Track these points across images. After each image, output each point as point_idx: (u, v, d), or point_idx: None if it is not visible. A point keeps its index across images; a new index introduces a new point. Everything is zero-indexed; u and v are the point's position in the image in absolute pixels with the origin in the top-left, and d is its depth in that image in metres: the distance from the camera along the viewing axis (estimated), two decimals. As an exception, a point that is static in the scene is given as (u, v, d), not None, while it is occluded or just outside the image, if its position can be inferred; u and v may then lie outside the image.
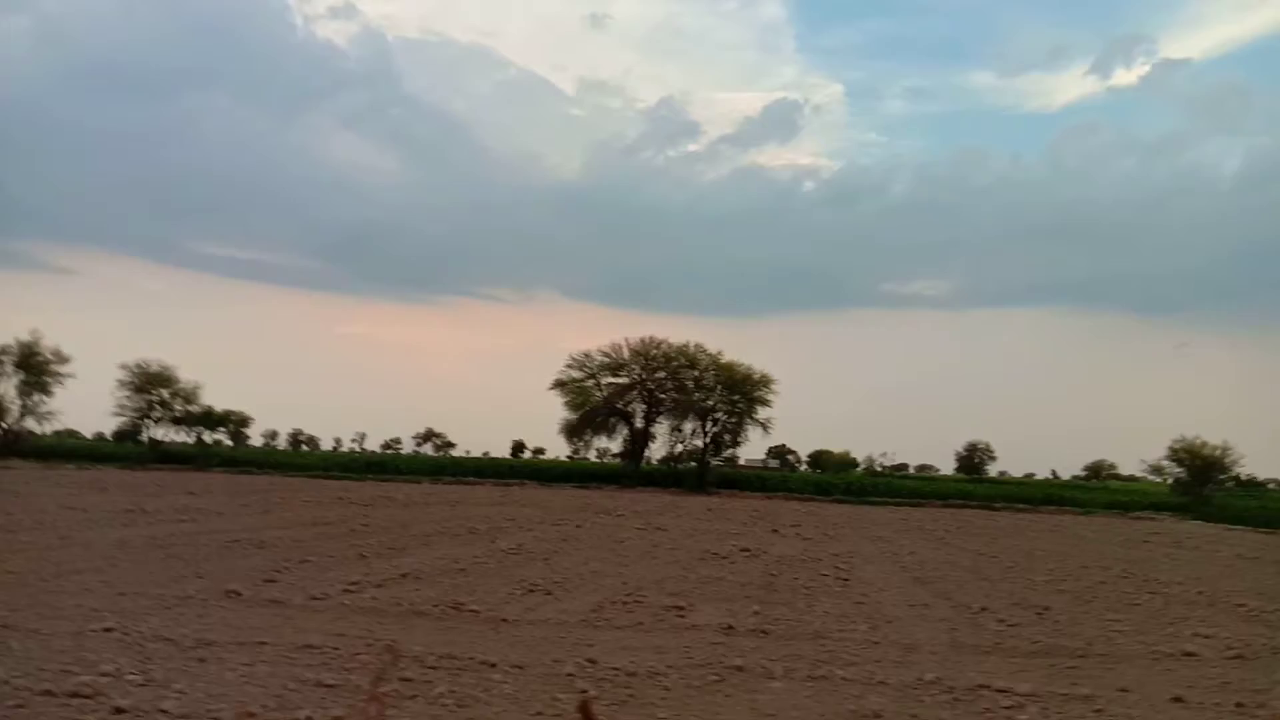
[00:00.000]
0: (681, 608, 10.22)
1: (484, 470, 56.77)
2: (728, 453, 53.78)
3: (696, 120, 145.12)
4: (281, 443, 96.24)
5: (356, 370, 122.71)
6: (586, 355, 52.48)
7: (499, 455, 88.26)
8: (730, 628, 9.12)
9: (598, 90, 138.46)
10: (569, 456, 66.54)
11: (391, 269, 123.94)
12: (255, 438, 77.02)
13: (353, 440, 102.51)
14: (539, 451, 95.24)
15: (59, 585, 9.89)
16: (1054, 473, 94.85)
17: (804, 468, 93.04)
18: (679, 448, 51.49)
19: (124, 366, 57.38)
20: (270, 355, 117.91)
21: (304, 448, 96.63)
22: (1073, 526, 32.70)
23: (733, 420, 50.92)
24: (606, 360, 52.02)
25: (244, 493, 31.11)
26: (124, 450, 59.78)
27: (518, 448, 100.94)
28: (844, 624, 9.77)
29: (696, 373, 51.20)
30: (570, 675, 6.82)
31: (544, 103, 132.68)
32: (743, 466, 63.80)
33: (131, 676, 6.11)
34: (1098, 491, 59.38)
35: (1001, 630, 9.89)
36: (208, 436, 62.00)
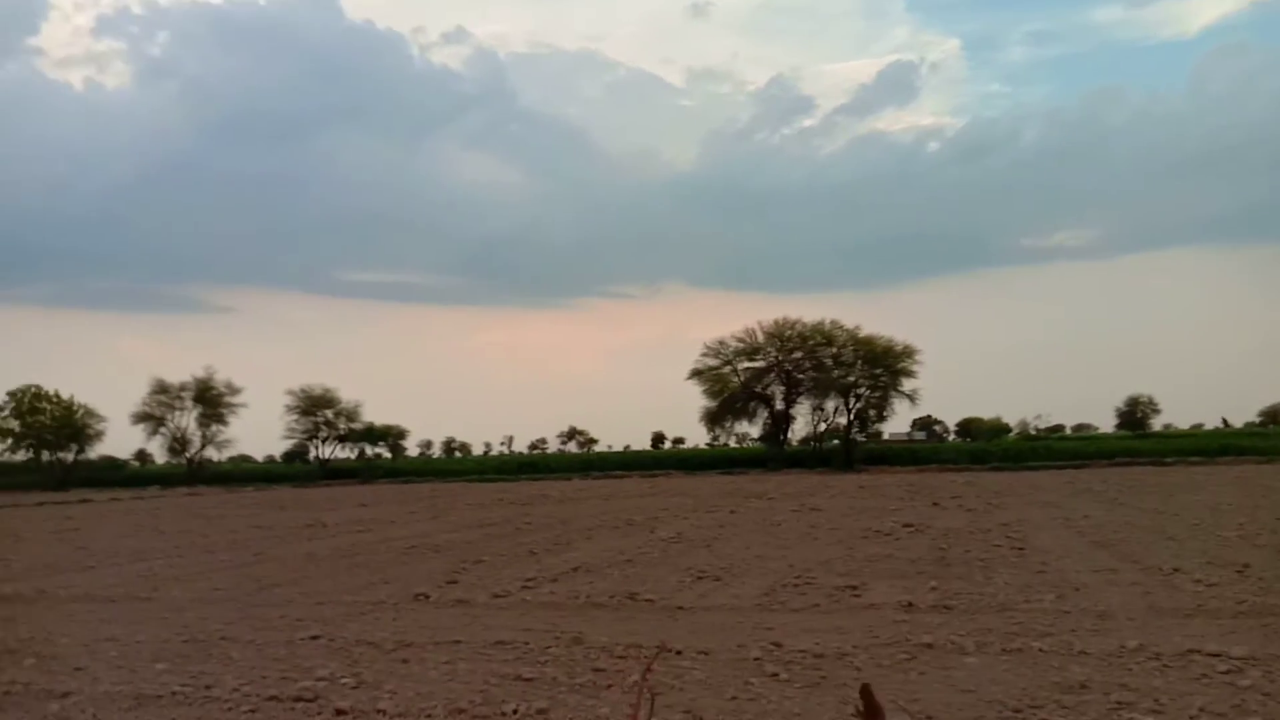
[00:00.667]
0: (855, 587, 10.08)
1: (629, 463, 57.64)
2: (874, 428, 52.55)
3: (809, 95, 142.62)
4: (436, 451, 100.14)
5: (498, 377, 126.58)
6: (721, 342, 52.46)
7: (639, 448, 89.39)
8: (910, 605, 8.92)
9: (706, 78, 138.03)
10: (709, 444, 66.74)
11: (523, 277, 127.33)
12: (411, 448, 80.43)
13: (501, 444, 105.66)
14: (678, 441, 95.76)
15: (262, 598, 10.60)
16: (1225, 421, 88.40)
17: (951, 437, 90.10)
18: (822, 427, 50.73)
19: (290, 392, 61.05)
20: (417, 370, 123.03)
21: (457, 454, 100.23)
22: (1256, 476, 30.40)
23: (876, 395, 49.82)
24: (741, 345, 51.84)
25: (410, 501, 32.58)
26: (295, 470, 63.67)
27: (657, 439, 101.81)
28: (1029, 595, 9.41)
29: (834, 349, 50.38)
30: (757, 659, 6.83)
31: (654, 98, 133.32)
32: (888, 441, 62.45)
33: (345, 680, 6.47)
34: (1278, 438, 55.10)
35: (1200, 591, 9.31)
36: (369, 451, 65.30)
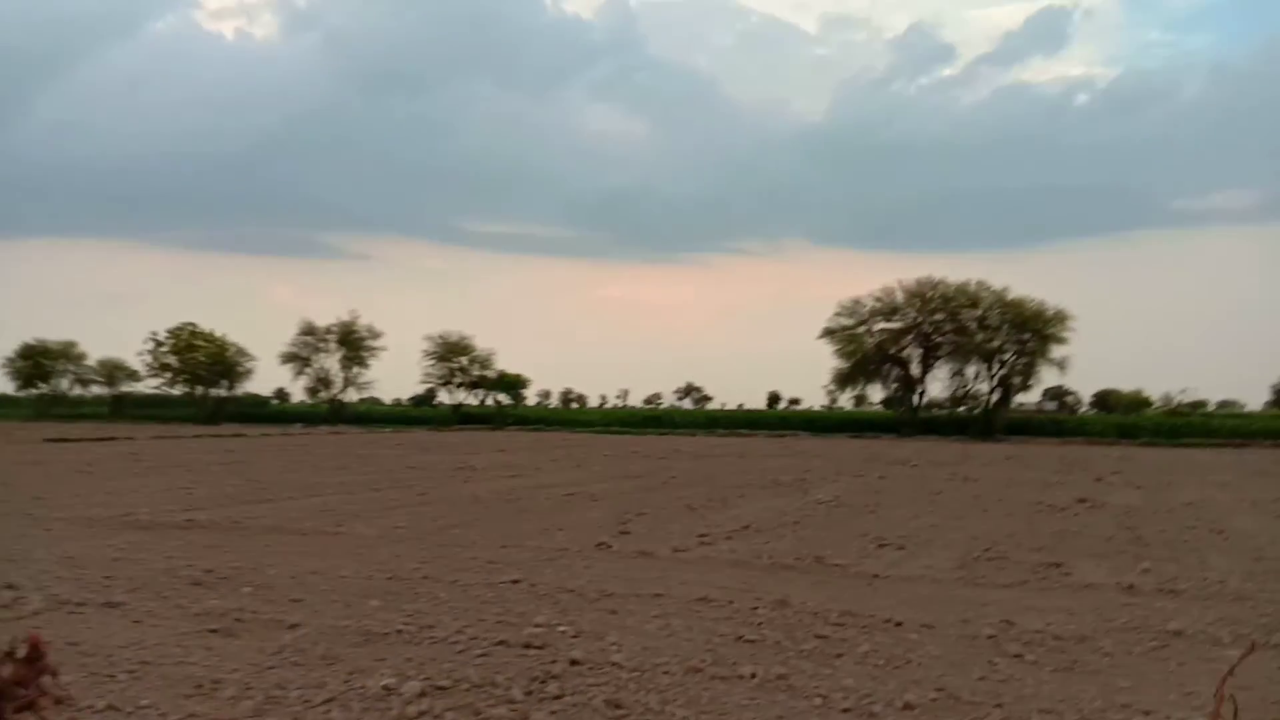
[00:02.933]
0: (1058, 565, 9.48)
1: (754, 422, 57.16)
2: (1016, 397, 50.42)
3: (950, 43, 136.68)
4: (554, 401, 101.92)
5: (615, 330, 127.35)
6: (856, 301, 51.07)
7: (752, 406, 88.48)
8: (1131, 588, 8.30)
9: (842, 25, 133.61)
10: (827, 406, 65.44)
11: (644, 232, 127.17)
12: (530, 398, 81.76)
13: (616, 397, 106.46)
14: (794, 402, 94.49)
15: (445, 539, 10.74)
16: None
17: (1084, 409, 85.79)
18: (961, 393, 48.94)
19: (428, 338, 62.81)
20: (536, 321, 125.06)
21: (574, 405, 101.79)
22: None
23: (1023, 361, 47.67)
24: (878, 305, 50.33)
25: (545, 449, 33.09)
26: (428, 414, 65.67)
27: (773, 399, 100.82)
28: (1260, 583, 8.64)
29: (979, 312, 48.33)
30: (991, 637, 6.40)
31: (787, 46, 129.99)
32: (1015, 411, 59.81)
33: (562, 629, 6.37)
34: None
35: None
36: (492, 399, 66.64)
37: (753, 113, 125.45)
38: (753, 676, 5.37)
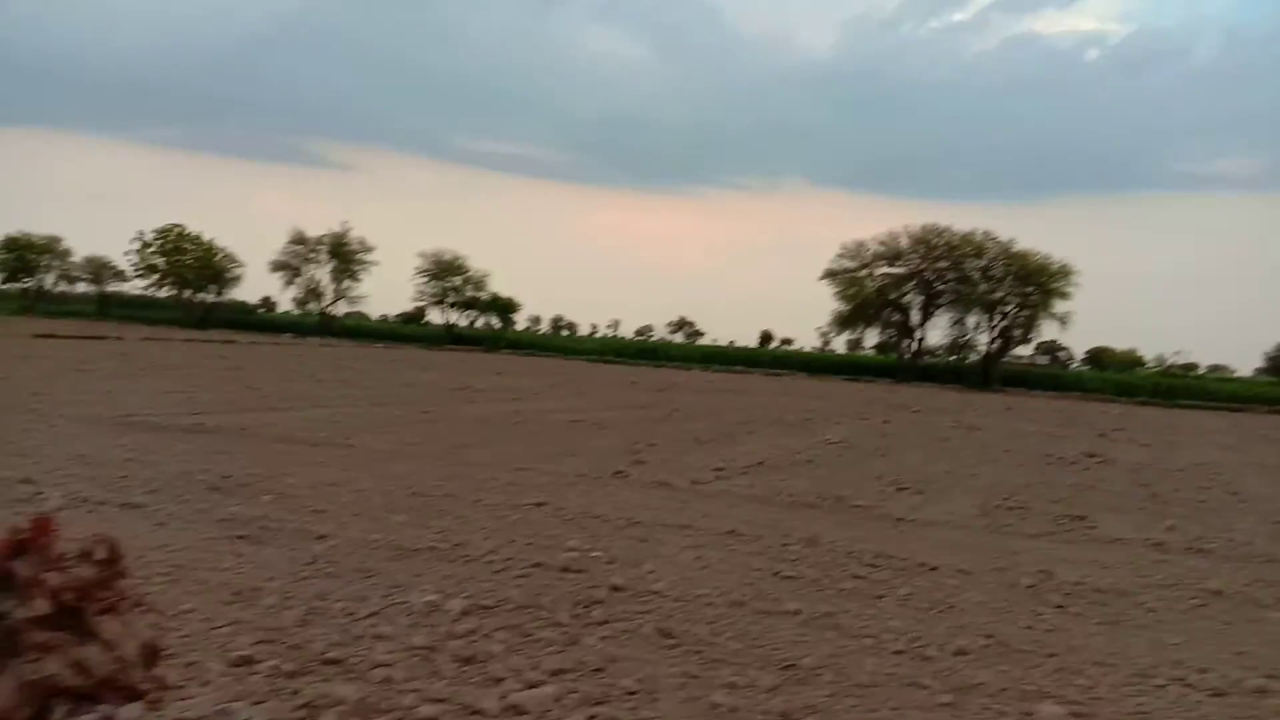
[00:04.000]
0: (1081, 517, 9.41)
1: (750, 360, 57.05)
2: (1015, 349, 50.46)
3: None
4: (543, 327, 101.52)
5: (607, 259, 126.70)
6: (860, 244, 50.68)
7: (743, 344, 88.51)
8: (1160, 544, 8.24)
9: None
10: (817, 348, 65.28)
11: (641, 160, 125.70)
12: (519, 322, 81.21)
13: (607, 327, 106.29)
14: (786, 342, 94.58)
15: (460, 458, 10.60)
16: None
17: (1075, 365, 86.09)
18: (961, 342, 48.93)
19: (422, 255, 62.18)
20: (527, 243, 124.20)
21: (564, 333, 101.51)
22: None
23: (1024, 314, 47.57)
24: (882, 249, 49.97)
25: (542, 374, 32.93)
26: (421, 332, 65.35)
27: (765, 338, 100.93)
28: (1287, 546, 8.61)
29: (983, 262, 48.06)
30: (1030, 586, 6.32)
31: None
32: (1010, 364, 59.83)
33: (595, 554, 6.25)
34: None
35: None
36: (482, 321, 66.18)
37: (756, 44, 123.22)
38: (797, 613, 5.27)
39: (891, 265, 50.10)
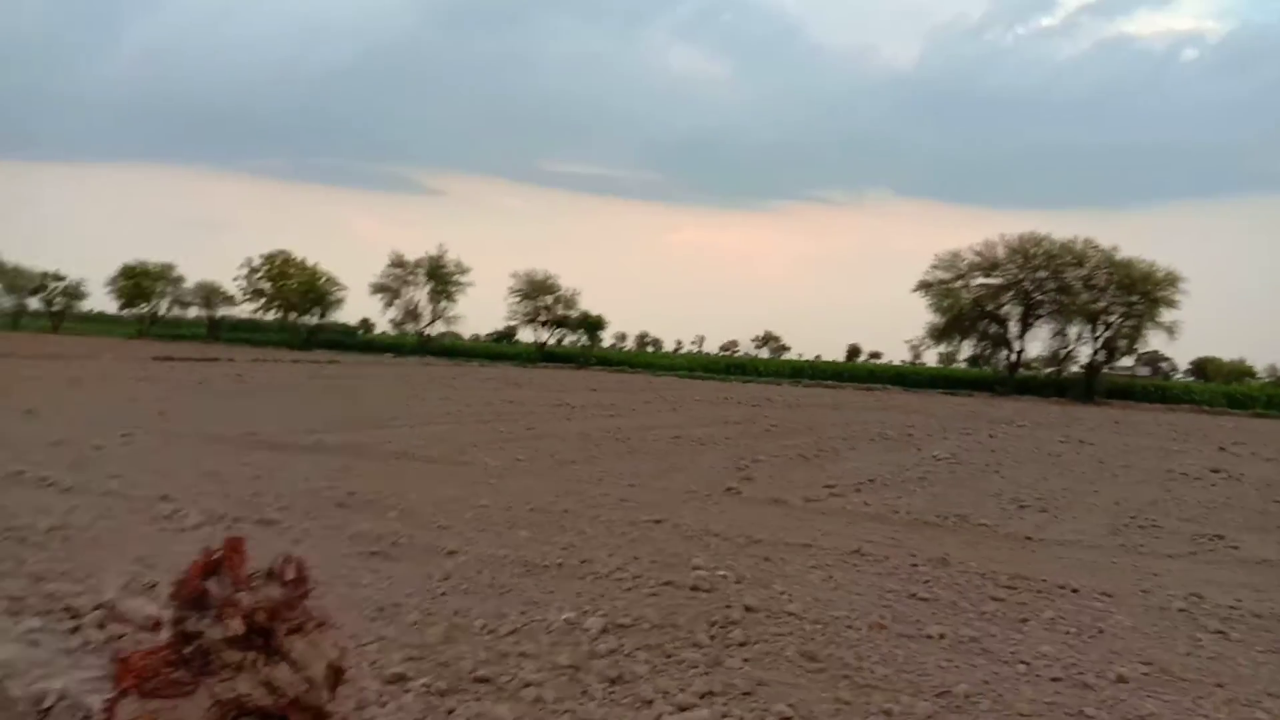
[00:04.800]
0: (1220, 536, 8.92)
1: (842, 374, 56.20)
2: (1118, 361, 48.53)
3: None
4: (629, 344, 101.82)
5: (691, 276, 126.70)
6: (955, 255, 49.47)
7: (829, 358, 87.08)
8: (1315, 566, 7.74)
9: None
10: (905, 361, 63.61)
11: (723, 176, 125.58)
12: (605, 340, 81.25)
13: (692, 343, 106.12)
14: (875, 355, 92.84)
15: (569, 474, 10.64)
16: None
17: (1178, 376, 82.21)
18: (1062, 354, 47.26)
19: (514, 275, 63.17)
20: (610, 262, 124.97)
21: (649, 349, 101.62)
22: None
23: (1128, 324, 45.70)
24: (978, 259, 48.67)
25: (635, 391, 32.99)
26: (513, 350, 66.34)
27: (853, 351, 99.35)
28: None
29: (1084, 271, 46.35)
30: (1183, 610, 5.99)
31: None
32: (1113, 376, 57.51)
33: (722, 573, 6.16)
34: None
35: None
36: (570, 339, 66.60)
37: (839, 58, 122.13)
38: (942, 637, 5.09)
39: (988, 275, 48.74)
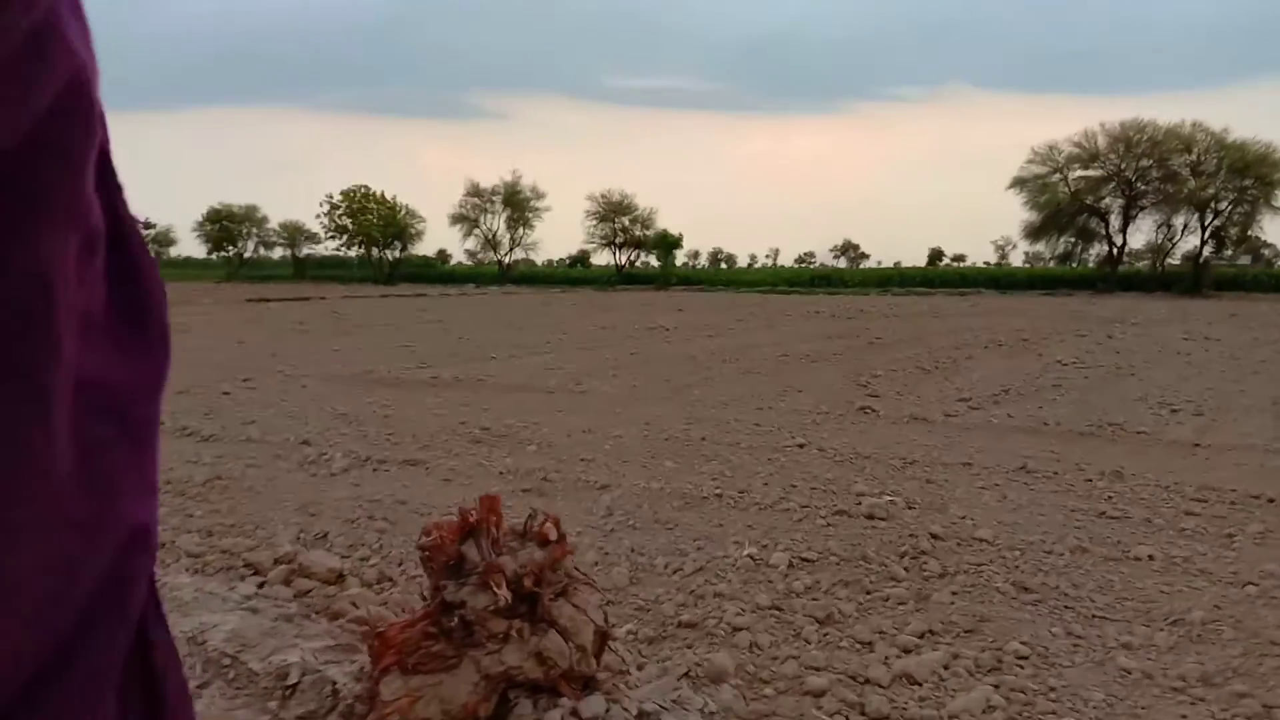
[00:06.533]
0: None
1: (932, 280, 54.70)
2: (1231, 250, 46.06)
3: None
4: (702, 261, 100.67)
5: (762, 187, 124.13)
6: (1052, 147, 47.09)
7: (910, 264, 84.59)
8: None
9: None
10: (988, 263, 61.26)
11: (790, 80, 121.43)
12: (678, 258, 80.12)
13: (766, 256, 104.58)
14: (958, 259, 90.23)
15: (687, 398, 10.41)
16: None
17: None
18: (1168, 246, 45.03)
19: (590, 198, 62.75)
20: (681, 178, 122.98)
21: (722, 265, 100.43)
22: None
23: (1240, 211, 43.13)
24: (1077, 151, 46.27)
25: (723, 309, 32.53)
26: (591, 274, 66.23)
27: (935, 255, 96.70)
28: None
29: (1192, 157, 43.69)
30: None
31: None
32: (1219, 267, 54.71)
33: (889, 498, 5.86)
34: None
35: None
36: (644, 259, 66.00)
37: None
38: (1151, 559, 4.73)
39: (1087, 167, 46.35)
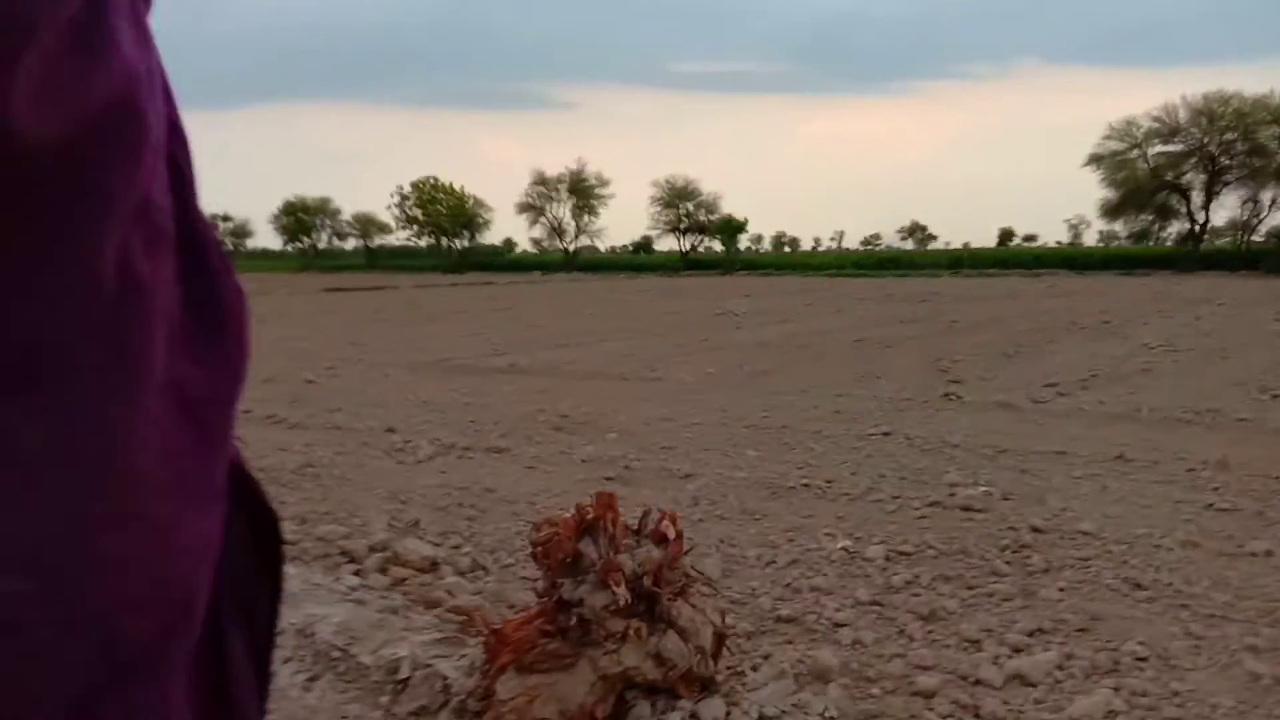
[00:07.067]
0: None
1: (1006, 261, 53.41)
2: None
3: None
4: (765, 245, 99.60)
5: (826, 169, 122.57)
6: (1129, 122, 45.51)
7: (979, 245, 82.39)
8: None
9: None
10: (1061, 242, 59.25)
11: (857, 61, 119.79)
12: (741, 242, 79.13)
13: (831, 239, 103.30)
14: (1029, 239, 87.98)
15: (764, 386, 10.30)
16: None
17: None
18: (1256, 222, 43.21)
19: (655, 184, 62.63)
20: (744, 162, 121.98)
21: (786, 249, 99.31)
22: None
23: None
24: (1156, 126, 44.63)
25: (790, 293, 32.20)
26: (656, 260, 66.14)
27: (1005, 235, 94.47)
28: None
29: (1280, 129, 41.80)
30: None
31: None
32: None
33: (984, 489, 5.70)
34: None
35: None
36: (706, 244, 65.48)
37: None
38: (1269, 555, 4.51)
39: (1168, 142, 44.69)
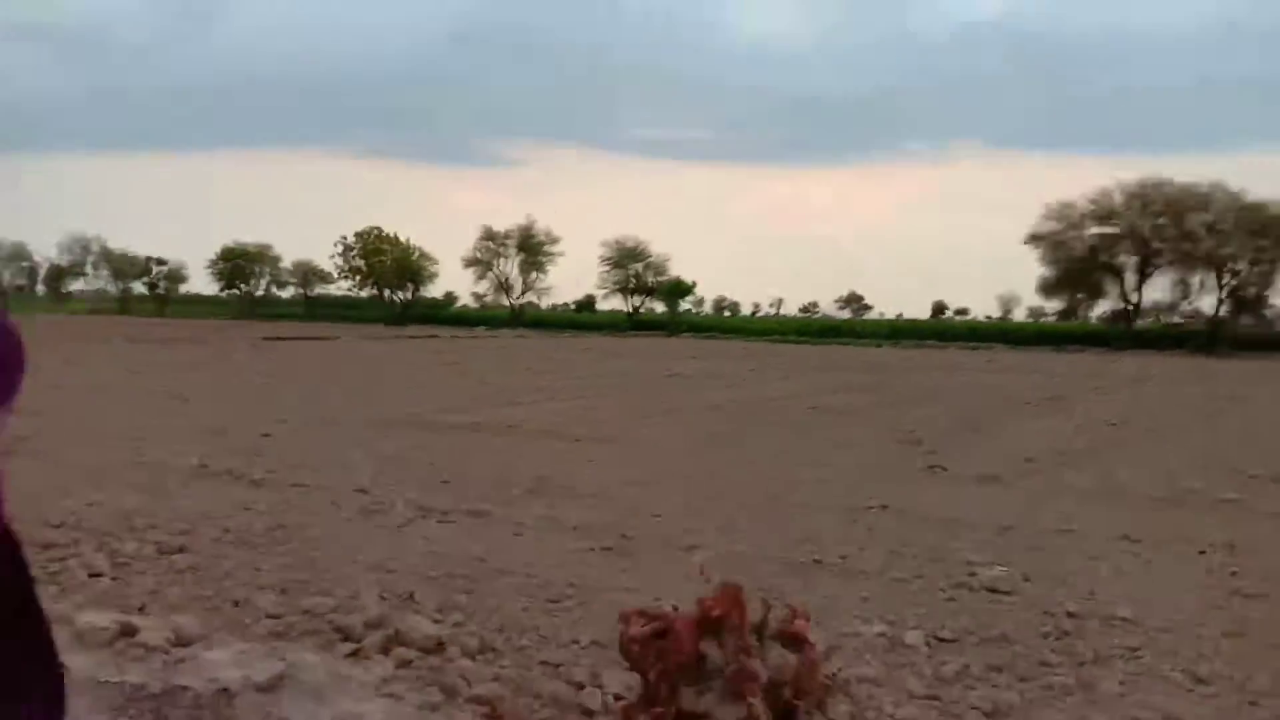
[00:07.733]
0: None
1: (943, 333, 54.51)
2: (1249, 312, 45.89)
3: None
4: (706, 308, 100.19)
5: (767, 236, 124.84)
6: (1067, 204, 47.14)
7: (912, 316, 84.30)
8: None
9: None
10: (996, 317, 60.57)
11: (800, 133, 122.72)
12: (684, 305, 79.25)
13: (770, 306, 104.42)
14: (961, 312, 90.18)
15: (736, 452, 10.05)
16: None
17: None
18: (1188, 306, 44.85)
19: (604, 244, 62.75)
20: (688, 227, 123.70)
21: (726, 313, 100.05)
22: None
23: (1257, 271, 43.01)
24: (1093, 208, 46.29)
25: (737, 358, 32.19)
26: (603, 319, 65.94)
27: (938, 308, 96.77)
28: None
29: (1209, 216, 43.65)
30: None
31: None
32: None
33: (1003, 569, 5.46)
34: None
35: None
36: (649, 305, 65.47)
37: (923, 5, 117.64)
38: (1312, 646, 4.33)
39: (1103, 224, 46.32)
